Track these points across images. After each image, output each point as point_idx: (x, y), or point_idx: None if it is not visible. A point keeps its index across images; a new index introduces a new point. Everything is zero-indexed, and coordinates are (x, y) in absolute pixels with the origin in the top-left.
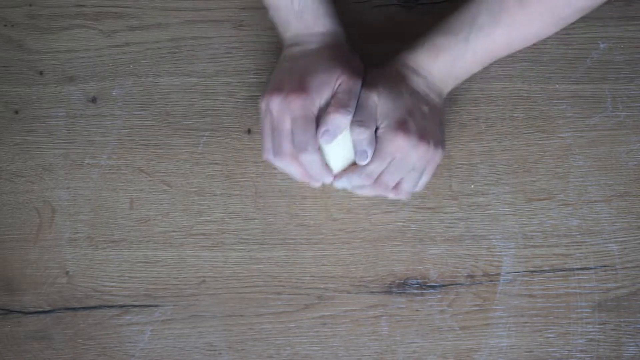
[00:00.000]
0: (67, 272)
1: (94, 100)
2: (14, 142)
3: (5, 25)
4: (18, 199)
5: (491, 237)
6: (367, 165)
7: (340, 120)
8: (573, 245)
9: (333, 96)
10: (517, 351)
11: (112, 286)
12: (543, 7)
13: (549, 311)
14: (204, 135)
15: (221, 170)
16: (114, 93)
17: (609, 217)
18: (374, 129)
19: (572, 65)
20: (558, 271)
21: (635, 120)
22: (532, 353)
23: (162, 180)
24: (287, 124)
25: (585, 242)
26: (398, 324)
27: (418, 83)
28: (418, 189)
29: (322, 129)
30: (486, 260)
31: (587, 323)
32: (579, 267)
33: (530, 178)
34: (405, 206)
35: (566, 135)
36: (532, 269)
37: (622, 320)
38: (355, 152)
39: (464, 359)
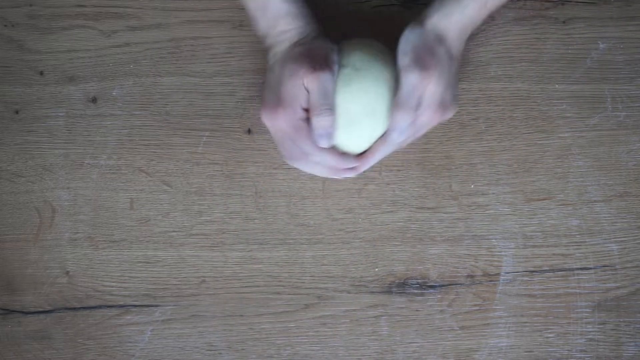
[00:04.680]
0: (67, 272)
1: (94, 100)
2: (14, 142)
3: (6, 26)
4: (18, 199)
5: (491, 237)
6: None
7: (323, 124)
8: (573, 245)
9: (309, 97)
10: (517, 351)
11: (112, 286)
12: None
13: (549, 311)
14: (204, 135)
15: (221, 170)
16: (114, 93)
17: (609, 217)
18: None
19: (572, 65)
20: (558, 271)
21: (635, 120)
22: (532, 353)
23: (162, 180)
24: (285, 135)
25: (585, 242)
26: (398, 324)
27: (452, 47)
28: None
29: (315, 138)
30: (486, 260)
31: (587, 323)
32: (578, 267)
33: (530, 178)
34: (405, 206)
35: (566, 135)
36: (532, 269)
37: (621, 320)
38: (392, 130)
39: (464, 359)
